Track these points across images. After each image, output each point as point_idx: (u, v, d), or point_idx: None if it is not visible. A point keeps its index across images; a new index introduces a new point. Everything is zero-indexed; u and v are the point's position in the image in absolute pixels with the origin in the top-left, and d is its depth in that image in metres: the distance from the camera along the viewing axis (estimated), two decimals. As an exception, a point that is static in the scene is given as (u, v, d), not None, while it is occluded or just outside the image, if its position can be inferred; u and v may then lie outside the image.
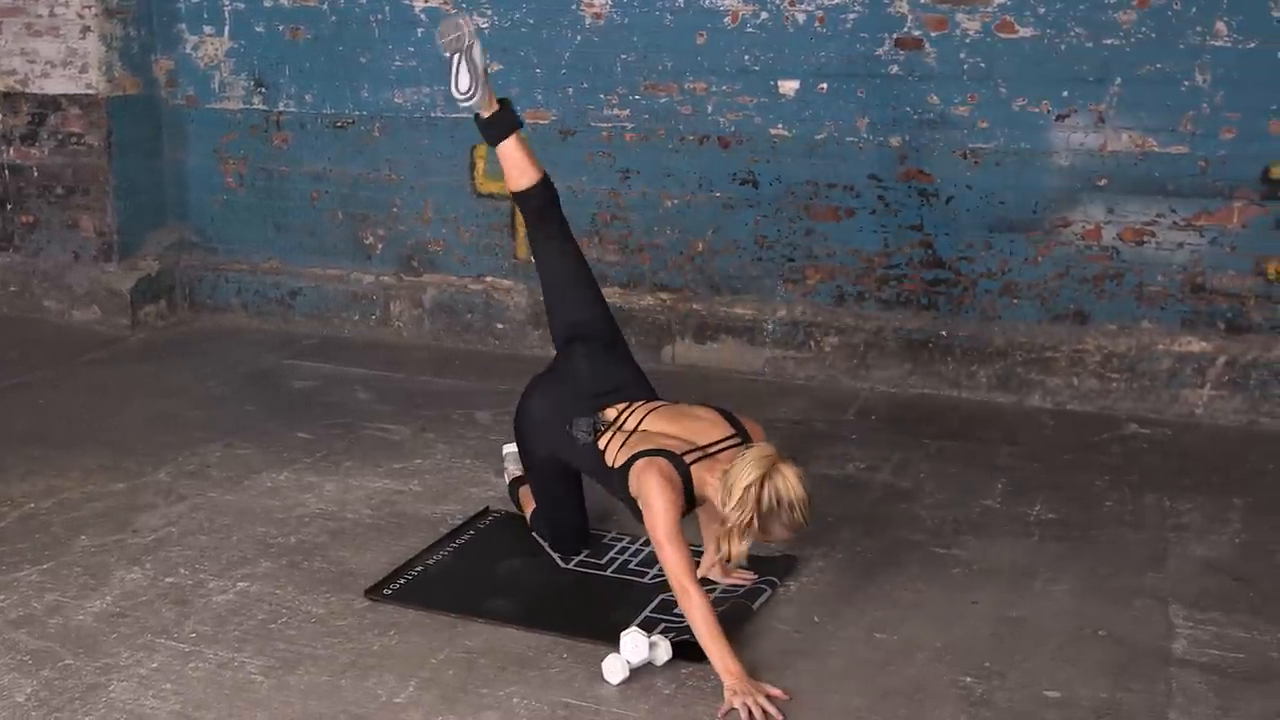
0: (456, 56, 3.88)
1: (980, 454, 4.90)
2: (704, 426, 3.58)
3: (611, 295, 6.05)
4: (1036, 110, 5.31)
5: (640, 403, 3.73)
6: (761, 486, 3.25)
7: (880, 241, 5.64)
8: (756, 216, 5.80)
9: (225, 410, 5.38)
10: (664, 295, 6.01)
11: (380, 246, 6.52)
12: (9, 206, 6.82)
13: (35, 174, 6.72)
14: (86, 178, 6.61)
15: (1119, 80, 5.18)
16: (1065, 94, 5.26)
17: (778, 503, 3.26)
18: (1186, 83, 5.09)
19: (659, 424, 3.61)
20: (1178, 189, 5.19)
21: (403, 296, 6.48)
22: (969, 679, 3.29)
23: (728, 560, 3.44)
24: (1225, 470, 4.74)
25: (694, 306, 5.96)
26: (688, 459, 3.45)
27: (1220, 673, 3.33)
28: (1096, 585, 3.82)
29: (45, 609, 3.63)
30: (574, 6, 5.89)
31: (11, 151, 6.74)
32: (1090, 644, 3.47)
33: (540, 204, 3.97)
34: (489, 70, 4.01)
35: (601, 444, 3.63)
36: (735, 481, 3.29)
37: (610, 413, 3.71)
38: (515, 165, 3.95)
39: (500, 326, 6.30)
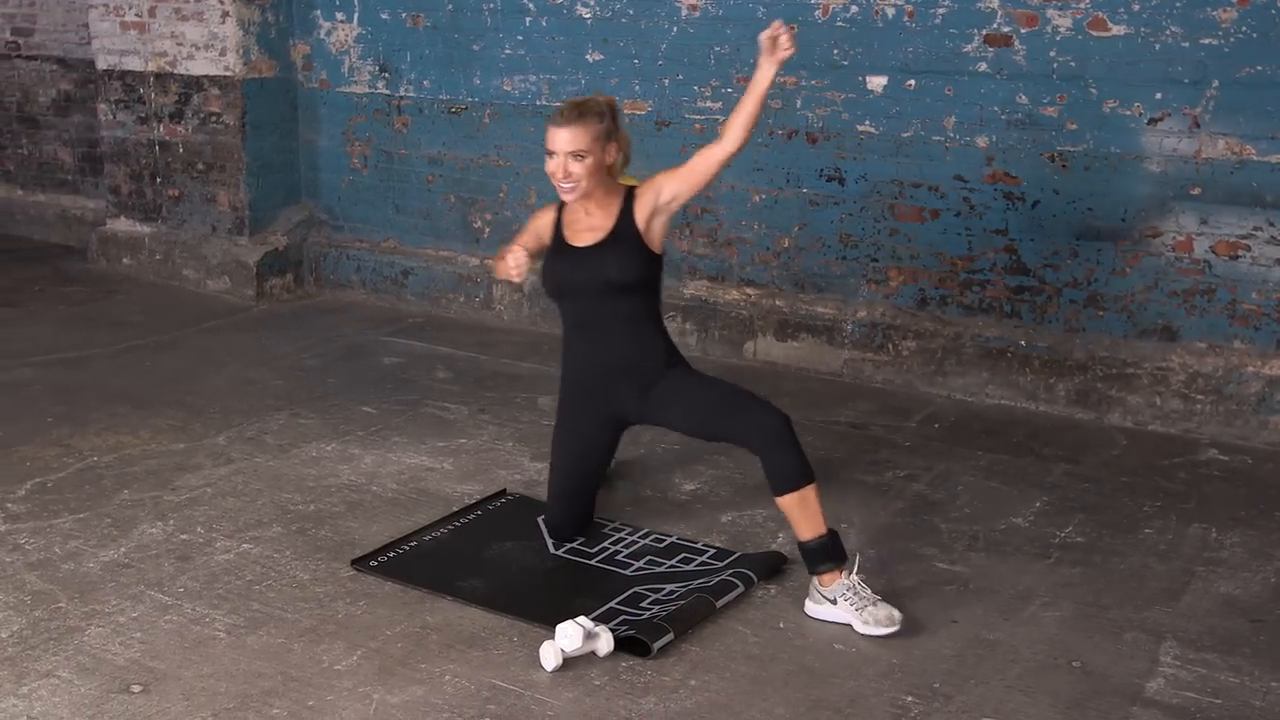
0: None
1: (1032, 470, 4.69)
2: None
3: (699, 288, 6.07)
4: (1128, 113, 5.02)
5: None
6: None
7: (964, 245, 5.45)
8: (842, 214, 5.69)
9: (306, 381, 5.61)
10: (749, 290, 5.96)
11: (488, 230, 6.68)
12: (158, 180, 7.28)
13: (181, 150, 7.15)
14: (224, 155, 7.00)
15: (1216, 83, 4.85)
16: (1159, 96, 4.96)
17: None
18: (1290, 87, 4.74)
19: None
20: (1277, 201, 4.83)
21: (505, 281, 6.61)
22: (910, 698, 3.18)
23: None
24: (1295, 505, 4.41)
25: (777, 303, 5.89)
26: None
27: (1187, 717, 3.11)
28: (1093, 615, 3.61)
29: (64, 555, 3.89)
30: (671, -2, 5.90)
31: (161, 129, 7.19)
32: (1057, 674, 3.30)
33: None
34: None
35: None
36: None
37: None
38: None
39: (593, 314, 6.35)
